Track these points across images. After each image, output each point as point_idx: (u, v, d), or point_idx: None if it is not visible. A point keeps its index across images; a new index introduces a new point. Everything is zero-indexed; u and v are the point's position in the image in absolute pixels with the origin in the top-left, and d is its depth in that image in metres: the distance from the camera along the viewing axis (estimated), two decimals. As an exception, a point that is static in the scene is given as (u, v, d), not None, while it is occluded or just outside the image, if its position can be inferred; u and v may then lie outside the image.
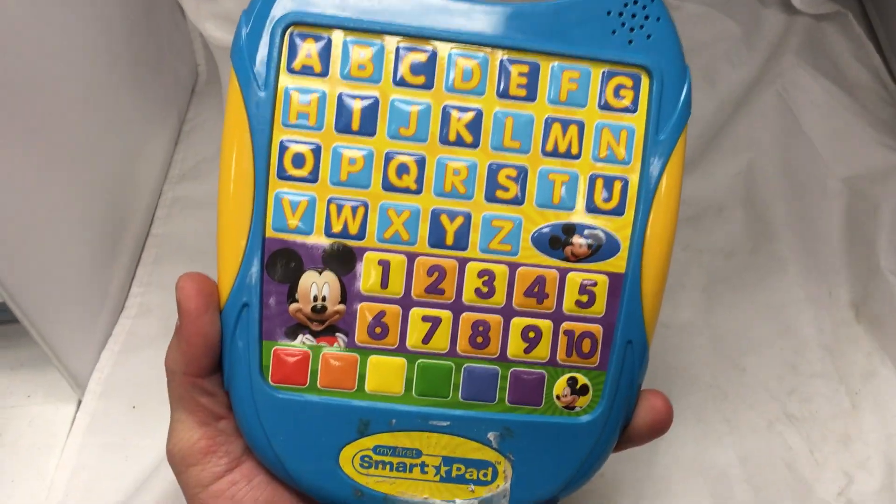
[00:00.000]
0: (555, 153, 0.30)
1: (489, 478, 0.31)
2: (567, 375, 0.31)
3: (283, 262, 0.30)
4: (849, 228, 0.58)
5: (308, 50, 0.29)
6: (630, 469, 0.46)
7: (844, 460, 0.46)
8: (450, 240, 0.30)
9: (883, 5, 0.70)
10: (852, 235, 0.57)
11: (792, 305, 0.54)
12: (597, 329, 0.31)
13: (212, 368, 0.31)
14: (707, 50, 0.70)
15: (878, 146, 0.61)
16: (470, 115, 0.30)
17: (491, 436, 0.31)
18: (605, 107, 0.30)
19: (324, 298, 0.30)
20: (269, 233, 0.30)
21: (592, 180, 0.30)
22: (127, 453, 0.48)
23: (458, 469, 0.31)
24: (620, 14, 0.30)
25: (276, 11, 0.29)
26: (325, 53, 0.29)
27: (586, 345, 0.31)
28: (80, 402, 0.50)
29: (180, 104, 0.71)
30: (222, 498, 0.30)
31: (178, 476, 0.31)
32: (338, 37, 0.29)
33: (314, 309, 0.30)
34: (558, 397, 0.31)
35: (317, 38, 0.29)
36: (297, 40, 0.29)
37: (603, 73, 0.30)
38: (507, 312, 0.31)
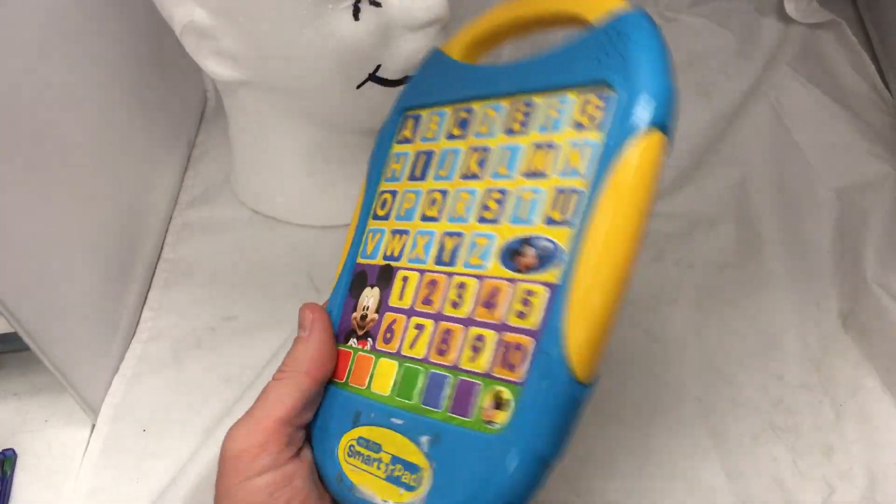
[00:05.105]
0: (530, 174, 0.32)
1: (416, 484, 0.31)
2: (496, 388, 0.29)
3: (358, 282, 0.37)
4: (838, 239, 0.57)
5: (407, 125, 0.39)
6: (618, 482, 0.47)
7: (827, 471, 0.47)
8: (447, 257, 0.34)
9: (878, 13, 0.70)
10: (842, 246, 0.57)
11: (780, 317, 0.54)
12: (528, 342, 0.29)
13: (328, 376, 0.36)
14: (703, 62, 0.71)
15: (870, 156, 0.62)
16: (482, 153, 0.34)
17: (423, 439, 0.31)
18: (578, 126, 0.31)
19: (367, 308, 0.36)
20: (359, 259, 0.38)
21: (554, 194, 0.31)
22: (139, 475, 0.49)
23: (399, 470, 0.31)
24: (602, 43, 0.31)
25: (400, 103, 0.40)
26: (414, 126, 0.39)
27: (516, 357, 0.29)
28: (93, 427, 0.52)
29: (189, 130, 0.70)
30: (262, 492, 0.32)
31: (224, 462, 0.33)
32: (425, 112, 0.38)
33: (360, 317, 0.36)
34: (483, 409, 0.30)
35: (413, 118, 0.39)
36: (407, 120, 0.39)
37: (580, 97, 0.31)
38: (468, 322, 0.32)
